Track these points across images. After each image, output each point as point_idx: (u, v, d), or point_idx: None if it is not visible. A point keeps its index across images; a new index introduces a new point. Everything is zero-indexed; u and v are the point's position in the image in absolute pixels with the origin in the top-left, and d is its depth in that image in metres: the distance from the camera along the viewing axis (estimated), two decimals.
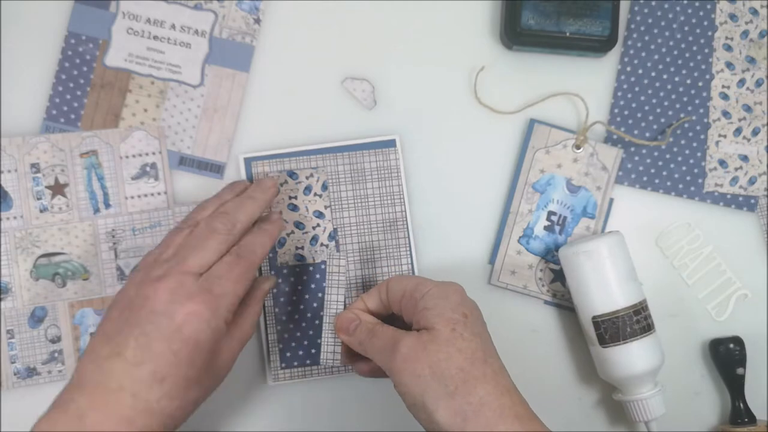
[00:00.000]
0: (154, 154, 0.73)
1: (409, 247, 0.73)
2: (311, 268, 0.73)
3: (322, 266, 0.73)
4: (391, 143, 0.73)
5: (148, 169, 0.73)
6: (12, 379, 0.72)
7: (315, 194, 0.73)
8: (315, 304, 0.73)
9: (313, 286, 0.73)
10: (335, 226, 0.73)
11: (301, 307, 0.73)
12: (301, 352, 0.73)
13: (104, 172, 0.73)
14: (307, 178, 0.73)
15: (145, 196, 0.73)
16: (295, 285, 0.73)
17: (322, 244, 0.73)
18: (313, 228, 0.73)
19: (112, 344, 0.59)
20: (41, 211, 0.72)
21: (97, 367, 0.58)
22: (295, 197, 0.73)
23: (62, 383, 0.71)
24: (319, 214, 0.73)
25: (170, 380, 0.58)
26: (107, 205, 0.73)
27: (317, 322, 0.73)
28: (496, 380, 0.59)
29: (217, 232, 0.63)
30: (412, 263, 0.73)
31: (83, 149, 0.73)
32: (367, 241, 0.73)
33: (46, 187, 0.72)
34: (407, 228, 0.73)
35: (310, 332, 0.73)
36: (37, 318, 0.72)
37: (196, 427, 0.73)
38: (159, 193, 0.73)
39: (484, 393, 0.57)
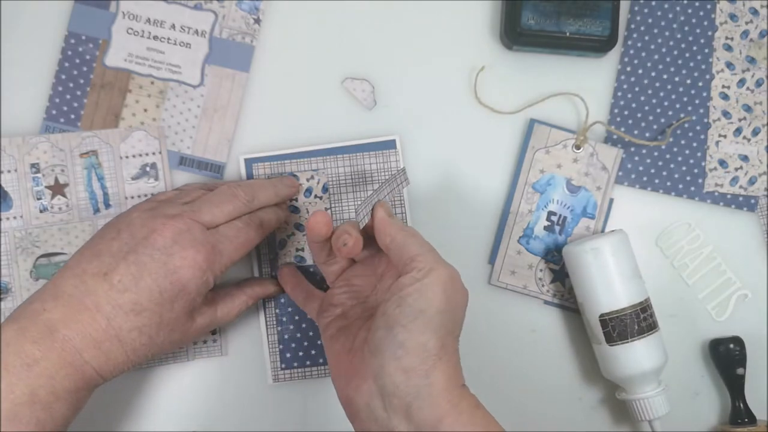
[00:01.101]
0: (154, 154, 0.73)
1: None
2: (312, 269, 0.73)
3: None
4: (391, 144, 0.73)
5: (148, 169, 0.73)
6: None
7: (315, 196, 0.73)
8: None
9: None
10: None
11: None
12: (301, 353, 0.73)
13: (104, 172, 0.73)
14: (307, 180, 0.73)
15: (145, 196, 0.73)
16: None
17: None
18: None
19: (101, 263, 0.59)
20: (41, 211, 0.72)
21: (80, 282, 0.59)
22: (296, 199, 0.73)
23: None
24: None
25: (146, 315, 0.59)
26: (107, 205, 0.73)
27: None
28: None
29: (236, 197, 0.65)
30: None
31: (83, 149, 0.73)
32: None
33: (46, 187, 0.72)
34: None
35: (310, 333, 0.73)
36: None
37: (197, 426, 0.73)
38: None
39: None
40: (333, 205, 0.73)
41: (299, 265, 0.73)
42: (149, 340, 0.60)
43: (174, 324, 0.61)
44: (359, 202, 0.67)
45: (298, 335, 0.73)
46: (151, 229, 0.60)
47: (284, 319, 0.73)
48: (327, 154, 0.73)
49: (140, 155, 0.73)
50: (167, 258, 0.60)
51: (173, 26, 0.74)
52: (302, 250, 0.73)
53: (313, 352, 0.73)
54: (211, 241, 0.61)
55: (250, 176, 0.73)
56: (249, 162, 0.73)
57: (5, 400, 0.55)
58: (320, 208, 0.73)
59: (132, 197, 0.73)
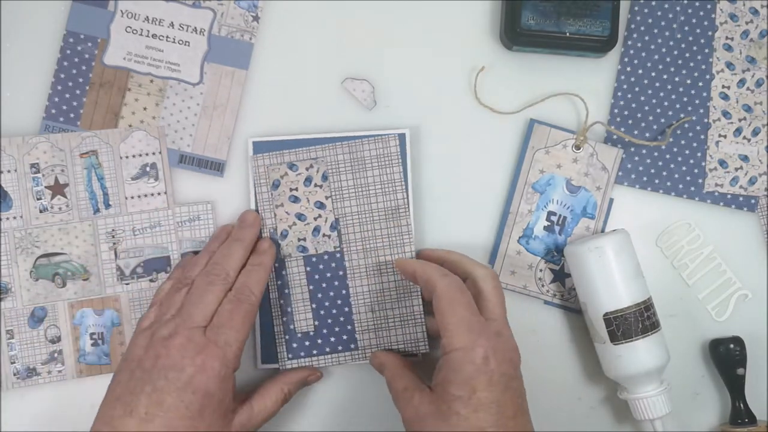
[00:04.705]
0: (154, 154, 0.73)
1: (411, 233, 0.73)
2: (314, 259, 0.73)
3: (325, 257, 0.73)
4: (401, 136, 0.73)
5: (148, 169, 0.73)
6: (12, 379, 0.72)
7: (315, 185, 0.73)
8: (319, 295, 0.73)
9: (316, 276, 0.73)
10: (337, 216, 0.73)
11: (306, 297, 0.73)
12: (307, 343, 0.73)
13: (104, 172, 0.73)
14: (307, 169, 0.73)
15: (145, 196, 0.73)
16: (299, 276, 0.73)
17: (324, 235, 0.73)
18: (315, 219, 0.73)
19: (123, 405, 0.61)
20: (41, 211, 0.72)
21: (111, 428, 0.60)
22: (296, 189, 0.73)
23: (62, 384, 0.72)
24: (321, 205, 0.73)
25: None
26: (107, 205, 0.73)
27: (322, 312, 0.73)
28: None
29: (212, 284, 0.66)
30: (413, 249, 0.73)
31: (83, 149, 0.72)
32: (370, 230, 0.73)
33: (46, 187, 0.72)
34: (409, 214, 0.73)
35: (316, 322, 0.73)
36: (36, 318, 0.72)
37: None
38: (159, 194, 0.73)
39: None
40: (333, 193, 0.73)
41: (302, 256, 0.73)
42: None
43: (210, 426, 0.62)
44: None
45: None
46: (156, 356, 0.62)
47: (289, 310, 0.73)
48: (326, 142, 0.73)
49: (140, 155, 0.73)
50: (180, 373, 0.61)
51: (172, 24, 0.74)
52: (304, 240, 0.73)
53: (319, 341, 0.73)
54: (212, 339, 0.63)
55: (254, 168, 0.73)
56: (257, 144, 0.74)
57: None
58: (320, 197, 0.73)
59: (132, 197, 0.73)
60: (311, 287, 0.73)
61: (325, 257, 0.73)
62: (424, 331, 0.73)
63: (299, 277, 0.73)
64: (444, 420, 0.60)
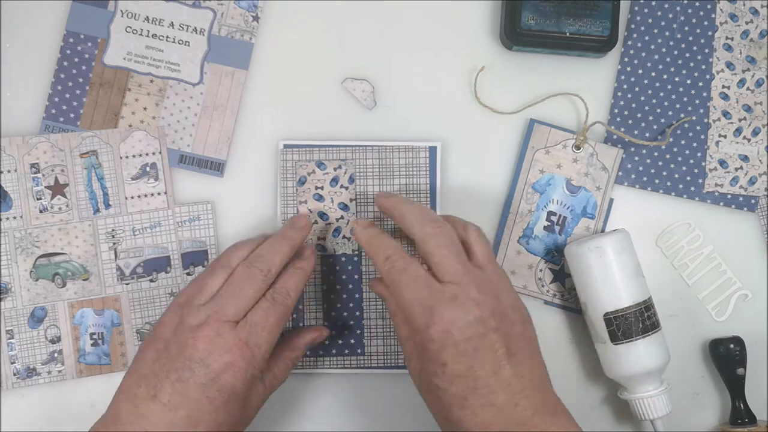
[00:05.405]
0: (154, 154, 0.73)
1: None
2: (331, 260, 0.73)
3: (342, 259, 0.73)
4: (432, 148, 0.74)
5: (148, 169, 0.73)
6: (12, 379, 0.72)
7: (342, 186, 0.73)
8: (332, 296, 0.74)
9: (331, 277, 0.74)
10: (359, 219, 0.73)
11: (319, 296, 0.74)
12: None
13: (104, 172, 0.73)
14: (335, 169, 0.73)
15: (145, 196, 0.73)
16: (314, 274, 0.73)
17: (344, 237, 0.73)
18: (337, 220, 0.73)
19: (147, 386, 0.60)
20: (41, 211, 0.72)
21: (134, 408, 0.60)
22: (322, 188, 0.73)
23: (62, 384, 0.72)
24: (344, 207, 0.73)
25: (204, 425, 0.60)
26: (107, 205, 0.73)
27: (333, 313, 0.74)
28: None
29: (253, 278, 0.64)
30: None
31: (83, 149, 0.72)
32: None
33: (46, 187, 0.72)
34: None
35: (325, 323, 0.74)
36: (36, 318, 0.72)
37: None
38: (159, 194, 0.73)
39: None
40: (358, 197, 0.73)
41: (319, 255, 0.74)
42: None
43: (231, 422, 0.62)
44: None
45: (313, 324, 0.74)
46: (183, 345, 0.61)
47: (300, 307, 0.73)
48: (357, 146, 0.74)
49: (140, 155, 0.73)
50: (206, 369, 0.60)
51: (172, 24, 0.74)
52: (323, 239, 0.73)
53: (326, 343, 0.73)
54: (243, 338, 0.62)
55: (284, 164, 0.73)
56: (287, 147, 0.73)
57: None
58: (345, 199, 0.73)
59: (132, 197, 0.73)
60: (325, 287, 0.74)
61: (343, 259, 0.74)
62: None
63: (314, 276, 0.73)
64: (430, 392, 0.60)
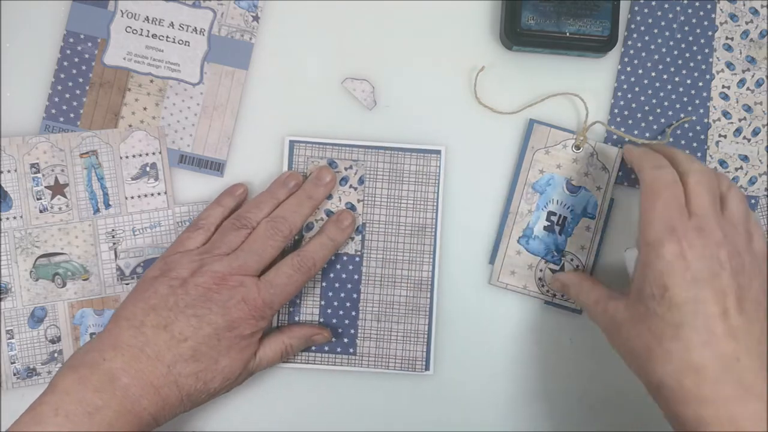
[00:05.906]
0: (154, 154, 0.73)
1: (433, 255, 0.73)
2: (333, 258, 0.74)
3: (344, 258, 0.74)
4: (436, 152, 0.74)
5: (148, 169, 0.73)
6: (12, 379, 0.72)
7: (351, 186, 0.74)
8: (330, 293, 0.74)
9: (331, 275, 0.74)
10: (365, 221, 0.73)
11: (317, 293, 0.74)
12: None
13: (104, 172, 0.73)
14: (346, 169, 0.73)
15: (145, 196, 0.73)
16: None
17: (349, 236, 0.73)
18: None
19: (159, 316, 0.62)
20: (41, 211, 0.72)
21: (139, 333, 0.61)
22: None
23: None
24: (352, 207, 0.74)
25: (204, 361, 0.62)
26: (107, 205, 0.73)
27: (329, 310, 0.74)
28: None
29: (274, 239, 0.67)
30: (433, 271, 0.73)
31: (83, 149, 0.72)
32: (393, 242, 0.73)
33: (46, 187, 0.72)
34: (435, 236, 0.73)
35: (321, 319, 0.74)
36: (36, 318, 0.72)
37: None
38: (159, 194, 0.73)
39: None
40: (366, 198, 0.74)
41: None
42: (203, 386, 0.63)
43: (227, 370, 0.64)
44: None
45: (315, 321, 0.74)
46: (206, 288, 0.63)
47: (298, 300, 0.73)
48: (370, 147, 0.74)
49: (140, 155, 0.73)
50: (225, 311, 0.63)
51: (172, 24, 0.74)
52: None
53: (333, 339, 0.74)
54: (263, 296, 0.65)
55: (291, 160, 0.74)
56: (292, 143, 0.74)
57: None
58: (353, 199, 0.74)
59: (132, 197, 0.73)
60: (324, 284, 0.74)
61: (344, 258, 0.74)
62: (425, 351, 0.73)
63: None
64: (641, 321, 0.58)
